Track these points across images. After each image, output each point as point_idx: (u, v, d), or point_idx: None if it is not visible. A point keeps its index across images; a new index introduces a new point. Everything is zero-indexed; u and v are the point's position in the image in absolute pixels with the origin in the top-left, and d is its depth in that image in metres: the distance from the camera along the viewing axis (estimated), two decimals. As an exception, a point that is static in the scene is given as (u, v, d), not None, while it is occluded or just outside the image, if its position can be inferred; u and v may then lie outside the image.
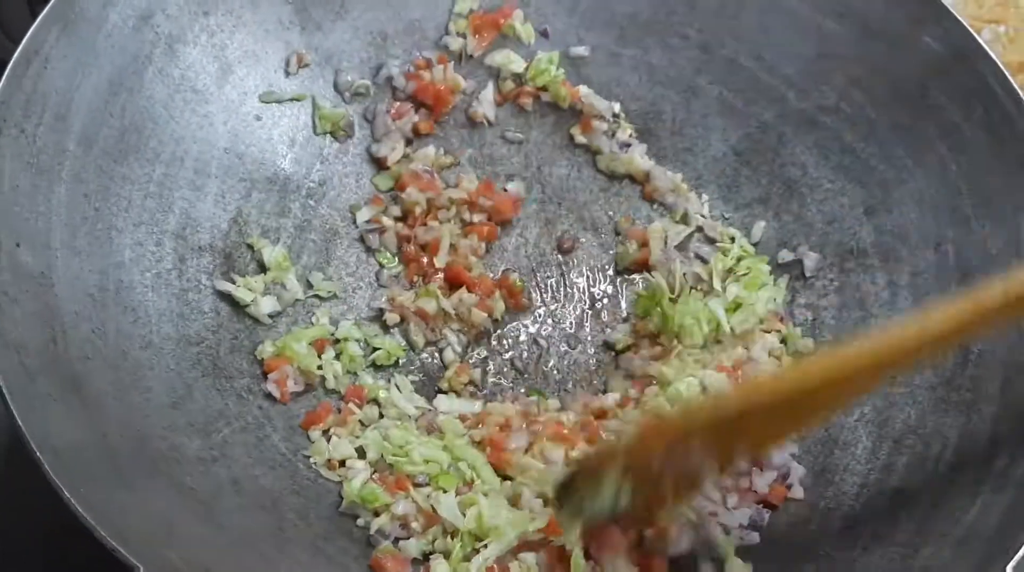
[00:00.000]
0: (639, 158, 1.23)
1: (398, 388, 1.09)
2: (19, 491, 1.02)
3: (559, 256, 1.20)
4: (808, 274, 1.16)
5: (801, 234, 1.18)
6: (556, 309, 1.18)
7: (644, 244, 1.19)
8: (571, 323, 1.17)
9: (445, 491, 0.99)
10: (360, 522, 0.99)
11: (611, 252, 1.21)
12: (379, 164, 1.20)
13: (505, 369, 1.15)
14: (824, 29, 1.16)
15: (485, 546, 0.95)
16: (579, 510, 0.91)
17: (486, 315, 1.13)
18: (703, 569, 0.97)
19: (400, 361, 1.12)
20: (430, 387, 1.12)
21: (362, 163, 1.20)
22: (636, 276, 1.19)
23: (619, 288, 1.19)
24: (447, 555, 0.96)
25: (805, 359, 1.10)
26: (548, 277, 1.19)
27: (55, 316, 0.92)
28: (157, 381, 0.98)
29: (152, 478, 0.90)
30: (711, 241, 1.20)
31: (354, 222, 1.18)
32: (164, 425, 0.95)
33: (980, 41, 1.08)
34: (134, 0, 1.04)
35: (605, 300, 1.19)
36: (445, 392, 1.11)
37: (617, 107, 1.24)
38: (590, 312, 1.18)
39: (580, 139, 1.24)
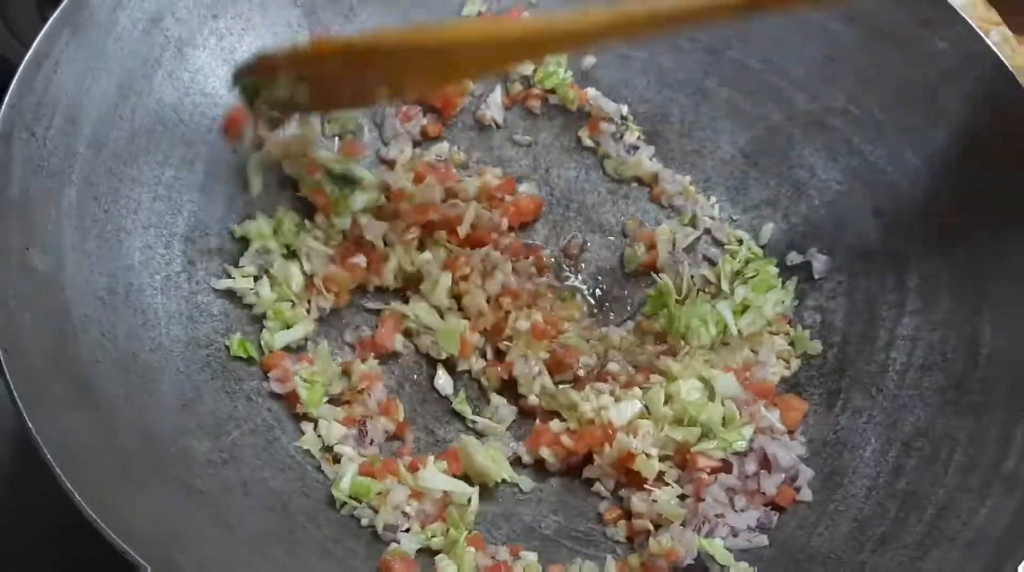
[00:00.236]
0: (646, 161, 1.23)
1: None
2: (29, 492, 1.03)
3: (565, 260, 1.20)
4: (816, 276, 1.16)
5: (810, 236, 1.18)
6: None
7: (652, 246, 1.19)
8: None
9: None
10: (364, 522, 0.99)
11: (619, 254, 1.21)
12: (388, 167, 1.20)
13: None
14: (832, 31, 1.16)
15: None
16: (255, 95, 1.05)
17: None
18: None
19: None
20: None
21: (371, 166, 1.20)
22: (644, 278, 1.19)
23: (627, 290, 1.20)
24: (449, 550, 0.97)
25: (468, 22, 1.19)
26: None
27: (65, 319, 0.92)
28: (166, 383, 0.98)
29: (161, 480, 0.90)
30: (719, 243, 1.20)
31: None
32: (173, 427, 0.95)
33: (989, 43, 1.08)
34: (144, 3, 1.04)
35: (613, 302, 1.19)
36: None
37: (625, 109, 1.24)
38: (598, 313, 1.18)
39: (588, 142, 1.25)
